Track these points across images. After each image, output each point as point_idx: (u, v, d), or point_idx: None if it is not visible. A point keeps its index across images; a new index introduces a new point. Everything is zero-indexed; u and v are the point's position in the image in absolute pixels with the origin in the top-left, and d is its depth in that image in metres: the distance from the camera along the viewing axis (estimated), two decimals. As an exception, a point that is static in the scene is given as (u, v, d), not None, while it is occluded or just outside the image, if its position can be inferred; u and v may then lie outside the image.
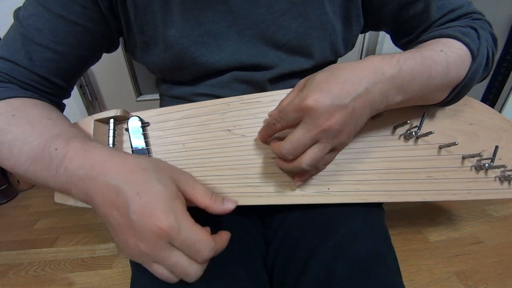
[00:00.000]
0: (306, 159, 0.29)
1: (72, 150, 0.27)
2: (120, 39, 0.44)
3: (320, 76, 0.29)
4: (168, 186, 0.25)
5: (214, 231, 0.37)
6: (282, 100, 0.34)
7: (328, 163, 0.33)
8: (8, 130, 0.30)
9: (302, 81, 0.33)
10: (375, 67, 0.29)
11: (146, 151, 0.39)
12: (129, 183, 0.24)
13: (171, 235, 0.23)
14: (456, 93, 0.35)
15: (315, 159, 0.29)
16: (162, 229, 0.23)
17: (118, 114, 0.38)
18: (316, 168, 0.33)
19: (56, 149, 0.28)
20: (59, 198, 0.38)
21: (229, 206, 0.28)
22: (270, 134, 0.34)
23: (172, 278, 0.25)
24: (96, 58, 0.42)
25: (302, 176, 0.35)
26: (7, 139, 0.30)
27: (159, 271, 0.25)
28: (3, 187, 1.01)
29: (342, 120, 0.27)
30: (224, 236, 0.28)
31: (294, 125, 0.30)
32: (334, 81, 0.28)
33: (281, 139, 0.31)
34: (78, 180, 0.26)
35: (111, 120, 0.38)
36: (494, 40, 0.37)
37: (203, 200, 0.27)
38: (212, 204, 0.27)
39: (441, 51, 0.32)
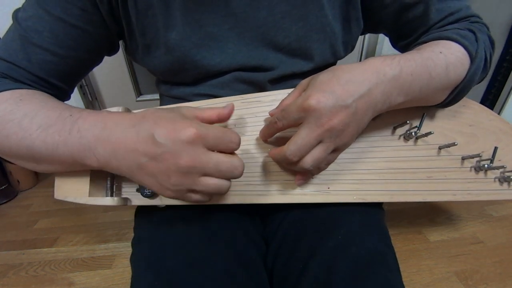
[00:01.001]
0: (309, 159, 0.30)
1: (86, 113, 0.29)
2: (120, 42, 0.44)
3: (323, 76, 0.29)
4: (178, 112, 0.27)
5: (214, 231, 0.37)
6: (283, 100, 0.34)
7: (330, 163, 0.34)
8: (17, 109, 0.30)
9: (305, 81, 0.33)
10: (376, 69, 0.29)
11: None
12: (144, 122, 0.26)
13: (202, 135, 0.24)
14: (455, 94, 0.35)
15: (319, 159, 0.30)
16: (192, 133, 0.24)
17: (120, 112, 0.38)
18: (318, 168, 0.33)
19: (71, 115, 0.29)
20: (59, 194, 0.38)
21: (230, 106, 0.30)
22: (272, 133, 0.35)
23: (224, 183, 0.26)
24: (96, 61, 0.42)
25: (303, 175, 0.35)
26: (17, 116, 0.30)
27: (210, 181, 0.26)
28: (3, 187, 1.01)
29: (345, 120, 0.28)
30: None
31: (295, 125, 0.30)
32: (336, 82, 0.28)
33: (279, 144, 0.31)
34: (94, 138, 0.27)
35: None
36: (492, 42, 0.37)
37: (212, 111, 0.29)
38: (220, 110, 0.29)
39: (441, 52, 0.32)
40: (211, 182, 0.26)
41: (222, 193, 0.27)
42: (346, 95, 0.27)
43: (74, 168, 0.32)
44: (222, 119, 0.29)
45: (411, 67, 0.30)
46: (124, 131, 0.26)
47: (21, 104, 0.31)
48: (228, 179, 0.27)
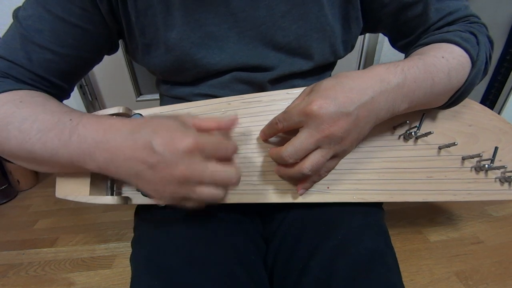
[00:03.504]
0: (307, 164, 0.30)
1: (86, 118, 0.29)
2: (120, 41, 0.44)
3: (327, 83, 0.29)
4: (177, 120, 0.27)
5: (214, 231, 0.37)
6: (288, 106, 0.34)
7: (330, 170, 0.34)
8: (18, 112, 0.30)
9: (309, 87, 0.33)
10: (380, 77, 0.29)
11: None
12: (143, 130, 0.26)
13: (200, 145, 0.24)
14: (457, 97, 0.35)
15: (317, 164, 0.30)
16: (189, 143, 0.24)
17: (121, 111, 0.38)
18: (318, 175, 0.33)
19: (70, 120, 0.29)
20: (60, 193, 0.38)
21: (232, 117, 0.30)
22: (272, 133, 0.35)
23: (219, 193, 0.26)
24: (96, 60, 0.42)
25: (304, 183, 0.35)
26: (16, 119, 0.30)
27: (205, 191, 0.26)
28: (3, 187, 1.01)
29: (345, 127, 0.28)
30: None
31: (296, 128, 0.30)
32: (340, 89, 0.28)
33: (280, 145, 0.31)
34: (94, 144, 0.27)
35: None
36: (491, 43, 0.37)
37: (211, 121, 0.29)
38: (220, 121, 0.29)
39: (443, 57, 0.32)
40: (206, 191, 0.26)
41: (218, 201, 0.27)
42: (349, 102, 0.28)
43: (74, 170, 0.33)
44: (222, 130, 0.29)
45: (414, 74, 0.30)
46: (123, 138, 0.26)
47: (21, 107, 0.31)
48: (224, 188, 0.27)
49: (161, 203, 0.37)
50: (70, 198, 0.37)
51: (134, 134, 0.26)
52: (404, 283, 0.33)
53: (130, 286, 0.35)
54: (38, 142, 0.29)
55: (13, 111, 0.30)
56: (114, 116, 0.30)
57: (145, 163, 0.25)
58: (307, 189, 0.36)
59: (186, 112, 0.31)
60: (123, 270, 0.69)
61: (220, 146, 0.26)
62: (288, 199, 0.37)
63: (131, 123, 0.27)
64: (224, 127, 0.29)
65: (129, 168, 0.26)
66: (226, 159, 0.27)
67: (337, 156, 0.31)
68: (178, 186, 0.25)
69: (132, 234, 0.41)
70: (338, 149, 0.30)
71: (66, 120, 0.29)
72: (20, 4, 0.35)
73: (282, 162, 0.31)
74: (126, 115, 0.39)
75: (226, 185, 0.27)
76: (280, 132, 0.33)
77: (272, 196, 0.37)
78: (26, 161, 0.32)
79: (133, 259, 0.37)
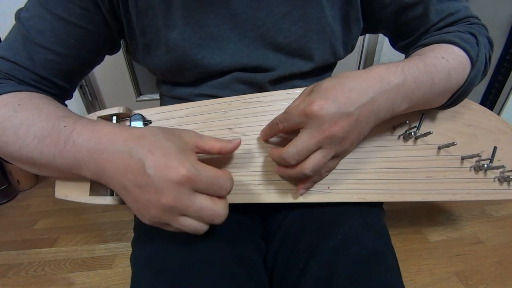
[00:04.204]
0: (309, 165, 0.30)
1: (80, 126, 0.28)
2: (121, 41, 0.44)
3: (327, 83, 0.29)
4: (176, 141, 0.26)
5: (214, 230, 0.37)
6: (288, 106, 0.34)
7: (331, 170, 0.34)
8: (14, 116, 0.30)
9: (309, 87, 0.33)
10: (381, 77, 0.29)
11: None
12: (140, 146, 0.25)
13: (192, 178, 0.24)
14: (456, 98, 0.35)
15: (318, 164, 0.30)
16: (182, 175, 0.23)
17: (121, 112, 0.38)
18: (319, 175, 0.33)
19: (65, 126, 0.29)
20: (60, 193, 0.38)
21: (237, 142, 0.30)
22: (273, 133, 0.35)
23: (202, 227, 0.26)
24: (98, 60, 0.42)
25: (305, 183, 0.35)
26: (13, 124, 0.30)
27: (187, 223, 0.25)
28: (3, 187, 1.01)
29: (346, 128, 0.28)
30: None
31: (296, 128, 0.30)
32: (340, 89, 0.28)
33: (280, 145, 0.31)
34: (87, 153, 0.26)
35: (114, 117, 0.38)
36: (491, 44, 0.38)
37: (215, 144, 0.29)
38: (224, 145, 0.29)
39: (443, 58, 0.32)
40: (188, 224, 0.25)
41: (198, 234, 0.27)
42: (349, 102, 0.28)
43: (73, 175, 0.32)
44: (224, 154, 0.29)
45: (414, 74, 0.30)
46: (117, 151, 0.25)
47: (19, 110, 0.31)
48: (208, 223, 0.26)
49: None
50: (70, 198, 0.37)
51: (129, 149, 0.25)
52: (404, 283, 0.33)
53: (130, 286, 0.35)
54: (36, 149, 0.29)
55: (10, 114, 0.30)
56: (110, 122, 0.29)
57: (134, 181, 0.24)
58: (307, 189, 0.36)
59: (191, 130, 0.30)
60: (123, 270, 0.69)
61: (214, 183, 0.25)
62: (288, 199, 0.37)
63: (127, 135, 0.26)
64: (226, 152, 0.29)
65: (118, 181, 0.25)
66: (218, 196, 0.26)
67: (338, 156, 0.31)
68: (161, 212, 0.25)
69: (132, 234, 0.42)
70: (339, 149, 0.30)
71: (60, 126, 0.29)
72: (21, 4, 0.36)
73: (283, 163, 0.31)
74: (126, 115, 0.39)
75: (210, 222, 0.26)
76: (280, 132, 0.33)
77: (273, 196, 0.37)
78: (27, 166, 0.32)
79: (133, 259, 0.37)
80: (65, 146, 0.28)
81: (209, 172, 0.25)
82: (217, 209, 0.25)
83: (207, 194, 0.26)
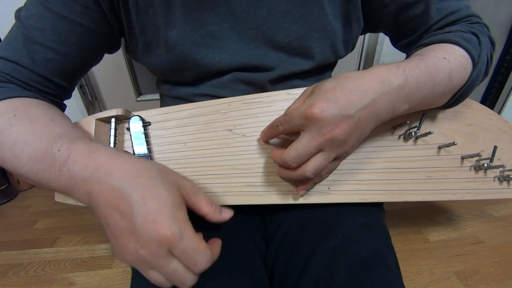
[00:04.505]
0: (309, 167, 0.30)
1: (75, 152, 0.27)
2: (121, 39, 0.44)
3: (327, 85, 0.29)
4: (173, 192, 0.26)
5: (213, 231, 0.37)
6: (288, 107, 0.34)
7: (331, 171, 0.34)
8: (10, 131, 0.30)
9: (309, 88, 0.33)
10: (381, 78, 0.29)
11: (147, 151, 0.39)
12: (135, 187, 0.24)
13: (173, 243, 0.23)
14: (457, 98, 0.35)
15: (319, 167, 0.30)
16: (165, 236, 0.23)
17: (120, 114, 0.38)
18: (319, 177, 0.33)
19: (59, 150, 0.27)
20: (59, 197, 0.38)
21: (226, 215, 0.30)
22: (272, 135, 0.35)
23: (167, 285, 0.25)
24: (97, 58, 0.42)
25: (305, 184, 0.35)
26: (9, 140, 0.30)
27: (155, 277, 0.25)
28: (3, 187, 1.01)
29: (347, 130, 0.28)
30: (216, 245, 0.29)
31: (297, 130, 0.30)
32: (340, 91, 0.28)
33: (280, 145, 0.31)
34: (81, 181, 0.26)
35: (113, 119, 0.38)
36: (492, 43, 0.37)
37: (205, 208, 0.28)
38: (212, 213, 0.28)
39: (444, 58, 0.32)
40: (157, 278, 0.25)
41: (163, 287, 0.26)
42: (350, 104, 0.27)
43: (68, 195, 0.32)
44: (208, 220, 0.29)
45: (415, 75, 0.30)
46: (111, 185, 0.24)
47: (14, 123, 0.30)
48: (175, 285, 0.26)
49: None
50: (70, 202, 0.37)
51: (123, 187, 0.24)
52: (404, 283, 0.33)
53: (130, 286, 0.35)
54: (31, 171, 0.29)
55: (5, 128, 0.30)
56: (108, 148, 0.28)
57: (119, 223, 0.24)
58: (308, 190, 0.36)
59: (191, 181, 0.29)
60: (123, 270, 0.69)
61: (189, 256, 0.24)
62: (289, 200, 0.37)
63: (124, 170, 0.25)
64: (210, 220, 0.28)
65: (104, 215, 0.25)
66: (190, 269, 0.25)
67: (338, 158, 0.31)
68: (135, 260, 0.25)
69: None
70: (340, 151, 0.30)
71: (54, 150, 0.28)
72: (21, 4, 0.36)
73: (284, 166, 0.31)
74: (125, 117, 0.39)
75: (176, 285, 0.26)
76: (281, 134, 0.33)
77: (273, 197, 0.37)
78: (26, 179, 0.32)
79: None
80: (60, 172, 0.27)
81: (190, 243, 0.24)
82: (187, 279, 0.25)
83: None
